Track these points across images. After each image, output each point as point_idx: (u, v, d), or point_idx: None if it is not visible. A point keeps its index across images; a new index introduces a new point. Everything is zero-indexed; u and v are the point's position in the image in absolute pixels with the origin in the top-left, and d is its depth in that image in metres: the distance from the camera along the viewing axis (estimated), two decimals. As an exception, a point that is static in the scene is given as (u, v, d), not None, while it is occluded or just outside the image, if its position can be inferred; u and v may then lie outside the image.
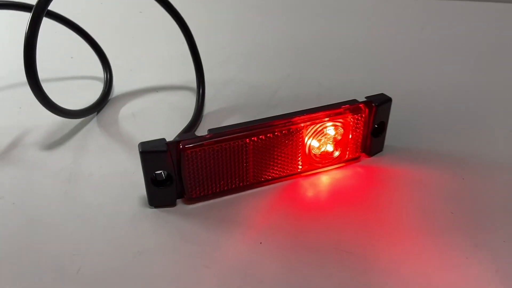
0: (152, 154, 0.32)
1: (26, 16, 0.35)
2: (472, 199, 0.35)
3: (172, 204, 0.34)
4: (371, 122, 0.38)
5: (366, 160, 0.39)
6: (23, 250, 0.30)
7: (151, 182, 0.33)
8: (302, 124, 0.35)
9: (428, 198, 0.35)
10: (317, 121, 0.35)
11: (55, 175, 0.37)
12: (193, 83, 0.49)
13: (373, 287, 0.28)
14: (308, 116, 0.35)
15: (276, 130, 0.34)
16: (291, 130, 0.34)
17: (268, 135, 0.34)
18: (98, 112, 0.47)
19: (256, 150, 0.34)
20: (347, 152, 0.38)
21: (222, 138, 0.33)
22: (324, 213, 0.34)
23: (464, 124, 0.44)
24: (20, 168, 0.38)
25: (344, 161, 0.38)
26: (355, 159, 0.39)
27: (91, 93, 0.48)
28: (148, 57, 0.61)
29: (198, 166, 0.33)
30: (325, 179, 0.37)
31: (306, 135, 0.35)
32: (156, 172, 0.33)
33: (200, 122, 0.45)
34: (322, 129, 0.36)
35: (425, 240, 0.31)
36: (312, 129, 0.35)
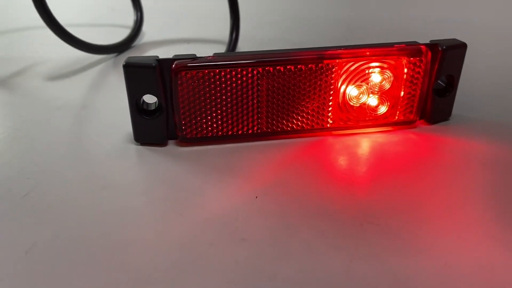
0: (138, 69, 0.25)
1: None
2: None
3: (161, 142, 0.27)
4: (434, 73, 0.28)
5: (424, 128, 0.30)
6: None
7: (136, 108, 0.26)
8: (337, 60, 0.26)
9: (505, 179, 0.24)
10: (358, 58, 0.27)
11: (46, 102, 0.33)
12: (227, 38, 0.42)
13: (397, 268, 0.18)
14: (347, 51, 0.26)
15: (301, 62, 0.26)
16: (320, 65, 0.26)
17: (289, 67, 0.26)
18: (119, 53, 0.42)
19: (271, 87, 0.26)
20: (398, 112, 0.29)
21: (228, 62, 0.26)
22: (351, 179, 0.25)
23: None
24: (14, 94, 0.34)
25: (392, 124, 0.29)
26: (409, 123, 0.29)
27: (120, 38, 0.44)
28: (187, 12, 0.56)
29: (195, 96, 0.26)
30: (363, 141, 0.28)
31: (341, 77, 0.27)
32: (143, 96, 0.26)
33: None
34: (363, 70, 0.27)
35: (491, 227, 0.21)
36: (349, 68, 0.27)
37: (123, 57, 0.41)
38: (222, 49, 0.43)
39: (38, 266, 0.19)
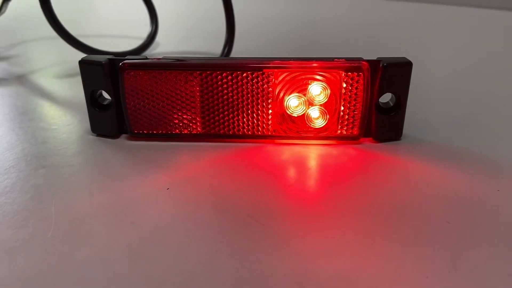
0: (90, 66, 0.28)
1: None
2: (482, 212, 0.22)
3: (112, 134, 0.30)
4: (376, 90, 0.28)
5: (369, 145, 0.29)
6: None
7: (90, 101, 0.29)
8: (273, 70, 0.27)
9: (427, 202, 0.23)
10: (294, 70, 0.27)
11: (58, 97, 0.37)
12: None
13: (256, 266, 0.19)
14: (284, 62, 0.27)
15: (238, 70, 0.27)
16: (256, 74, 0.27)
17: (225, 74, 0.27)
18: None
19: (209, 92, 0.28)
20: (340, 127, 0.29)
21: (169, 63, 0.28)
22: (260, 182, 0.25)
23: None
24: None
25: (335, 138, 0.29)
26: (353, 139, 0.29)
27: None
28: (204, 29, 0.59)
29: (140, 94, 0.28)
30: (297, 151, 0.29)
31: (277, 87, 0.28)
32: (97, 92, 0.29)
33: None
34: (301, 81, 0.28)
35: (388, 246, 0.20)
36: (285, 78, 0.27)
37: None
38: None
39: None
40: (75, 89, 0.39)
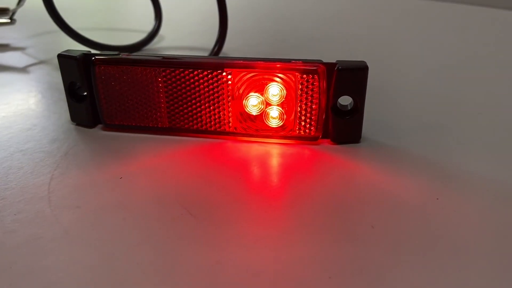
0: (66, 59, 0.30)
1: None
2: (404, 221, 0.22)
3: (89, 124, 0.32)
4: (331, 92, 0.28)
5: (326, 146, 0.30)
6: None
7: (68, 92, 0.32)
8: (231, 69, 0.28)
9: (361, 204, 0.24)
10: (252, 70, 0.28)
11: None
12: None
13: (176, 255, 0.20)
14: (243, 62, 0.28)
15: (199, 68, 0.29)
16: (215, 73, 0.29)
17: (187, 71, 0.29)
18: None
19: (172, 87, 0.30)
20: (297, 127, 0.29)
21: (136, 59, 0.29)
22: (210, 176, 0.26)
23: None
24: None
25: (294, 137, 0.30)
26: (311, 139, 0.30)
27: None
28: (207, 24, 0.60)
29: (111, 88, 0.30)
30: (254, 149, 0.30)
31: (236, 85, 0.29)
32: (76, 84, 0.32)
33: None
34: (258, 81, 0.28)
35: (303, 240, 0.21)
36: (242, 78, 0.28)
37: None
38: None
39: None
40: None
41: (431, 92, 0.41)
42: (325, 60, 0.28)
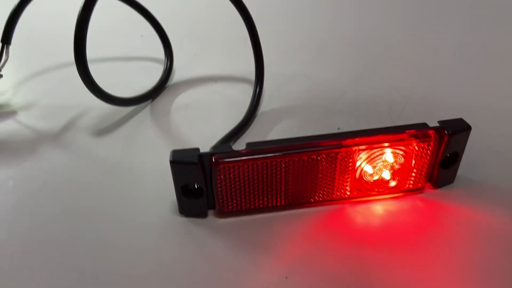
0: (182, 165, 0.29)
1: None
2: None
3: (202, 215, 0.32)
4: (441, 152, 0.32)
5: (430, 192, 0.34)
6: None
7: (181, 192, 0.31)
8: (354, 148, 0.30)
9: (496, 251, 0.29)
10: (374, 145, 0.30)
11: (98, 164, 0.37)
12: (254, 75, 0.45)
13: None
14: (363, 139, 0.30)
15: (322, 152, 0.30)
16: (339, 154, 0.30)
17: (312, 156, 0.30)
18: (154, 99, 0.46)
19: (296, 171, 0.31)
20: (408, 182, 0.33)
21: (259, 156, 0.30)
22: (366, 248, 0.29)
23: None
24: (69, 153, 0.39)
25: (403, 191, 0.33)
26: (417, 190, 0.33)
27: (154, 76, 0.48)
28: (213, 42, 0.58)
29: (231, 182, 0.30)
30: (376, 209, 0.33)
31: (359, 159, 0.31)
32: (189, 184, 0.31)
33: (252, 122, 0.42)
34: (378, 155, 0.31)
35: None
36: (365, 154, 0.30)
37: (157, 103, 0.45)
38: (247, 90, 0.46)
39: None
40: (122, 148, 0.39)
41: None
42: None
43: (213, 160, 0.29)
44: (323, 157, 0.30)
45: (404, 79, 0.49)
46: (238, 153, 0.30)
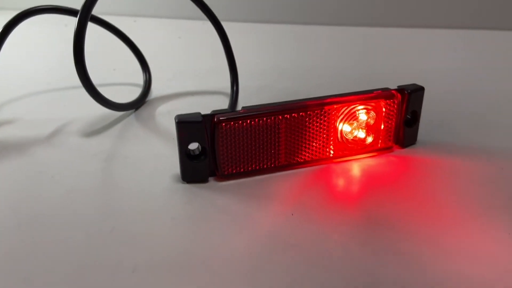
0: (188, 124, 0.33)
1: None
2: (512, 185, 0.33)
3: (204, 180, 0.35)
4: (403, 110, 0.38)
5: (399, 151, 0.39)
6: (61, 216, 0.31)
7: (185, 155, 0.33)
8: (334, 106, 0.35)
9: (467, 185, 0.34)
10: (350, 103, 0.36)
11: (93, 155, 0.39)
12: (227, 89, 0.50)
13: (409, 256, 0.27)
14: (340, 98, 0.35)
15: (309, 109, 0.34)
16: (323, 110, 0.35)
17: (301, 113, 0.34)
18: (136, 109, 0.49)
19: (288, 129, 0.35)
20: (380, 141, 0.38)
21: (255, 113, 0.34)
22: (358, 195, 0.33)
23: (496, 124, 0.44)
24: (61, 150, 0.40)
25: (376, 150, 0.38)
26: (388, 149, 0.38)
27: (131, 96, 0.51)
28: (186, 70, 0.63)
29: (232, 141, 0.34)
30: (358, 165, 0.37)
31: (338, 118, 0.36)
32: (190, 146, 0.34)
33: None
34: (354, 111, 0.36)
35: (466, 218, 0.30)
36: (344, 111, 0.36)
37: (141, 111, 0.48)
38: (223, 99, 0.51)
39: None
40: (114, 144, 0.41)
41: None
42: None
43: (215, 119, 0.33)
44: (309, 114, 0.35)
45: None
46: (237, 113, 0.33)
